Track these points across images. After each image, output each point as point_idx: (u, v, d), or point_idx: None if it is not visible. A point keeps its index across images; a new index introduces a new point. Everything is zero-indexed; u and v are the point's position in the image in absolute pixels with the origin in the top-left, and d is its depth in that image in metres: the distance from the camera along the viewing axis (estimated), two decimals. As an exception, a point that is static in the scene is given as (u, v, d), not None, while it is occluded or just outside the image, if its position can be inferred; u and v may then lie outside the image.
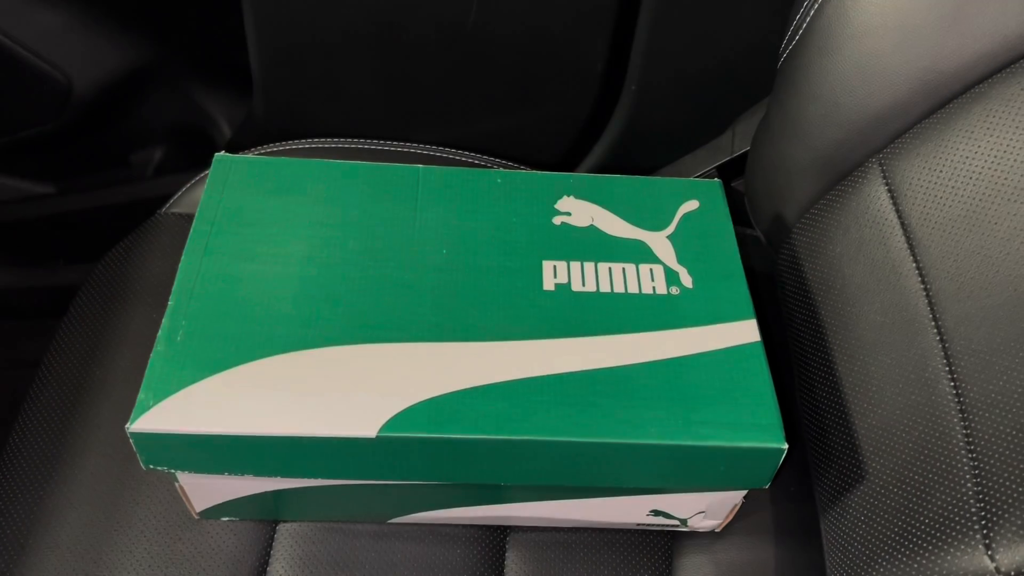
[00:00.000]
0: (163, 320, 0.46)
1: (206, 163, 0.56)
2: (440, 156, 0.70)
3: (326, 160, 0.55)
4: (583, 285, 0.50)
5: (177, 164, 0.92)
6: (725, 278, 0.51)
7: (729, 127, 0.70)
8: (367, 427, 0.43)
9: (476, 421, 0.43)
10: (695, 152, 0.71)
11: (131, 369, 0.58)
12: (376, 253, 0.50)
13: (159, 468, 0.45)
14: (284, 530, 0.53)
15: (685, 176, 0.71)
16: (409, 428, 0.43)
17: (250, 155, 0.68)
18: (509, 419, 0.43)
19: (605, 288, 0.50)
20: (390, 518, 0.52)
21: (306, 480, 0.48)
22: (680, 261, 0.51)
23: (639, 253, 0.52)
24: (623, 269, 0.51)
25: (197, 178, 0.68)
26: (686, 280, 0.50)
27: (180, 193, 0.67)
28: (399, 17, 0.70)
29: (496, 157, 0.72)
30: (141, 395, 0.43)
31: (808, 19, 0.54)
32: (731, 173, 0.69)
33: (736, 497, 0.50)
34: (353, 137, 0.70)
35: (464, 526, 0.53)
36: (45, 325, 0.89)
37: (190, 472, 0.46)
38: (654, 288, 0.50)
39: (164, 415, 0.43)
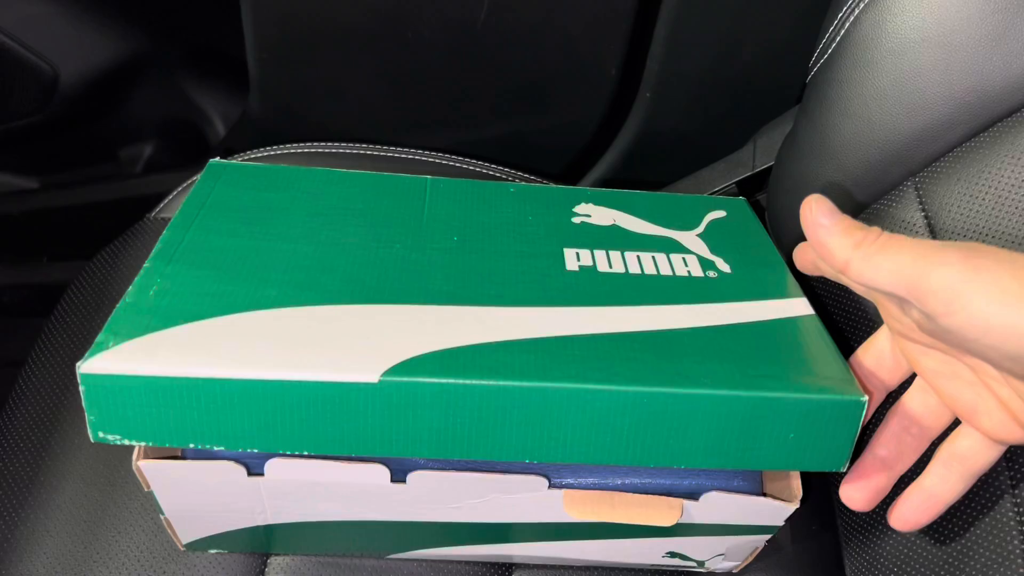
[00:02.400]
0: (135, 280, 0.40)
1: (198, 162, 0.53)
2: (444, 163, 0.67)
3: (327, 168, 0.52)
4: (610, 267, 0.45)
5: (168, 161, 0.88)
6: (765, 265, 0.47)
7: (750, 140, 0.67)
8: (368, 371, 0.36)
9: (497, 369, 0.36)
10: (713, 165, 0.68)
11: (115, 386, 0.54)
12: (380, 237, 0.46)
13: (110, 437, 0.37)
14: (275, 564, 0.49)
15: (702, 190, 0.68)
16: (418, 373, 0.36)
17: (245, 158, 0.65)
18: (537, 368, 0.36)
19: (635, 271, 0.45)
20: (389, 554, 0.49)
21: (299, 515, 0.45)
22: (713, 252, 0.48)
23: (668, 246, 0.48)
24: (652, 257, 0.47)
25: (188, 182, 0.64)
26: (723, 267, 0.47)
27: (170, 198, 0.64)
28: (405, 14, 0.67)
29: (502, 165, 0.69)
30: (100, 337, 0.36)
31: (843, 31, 0.51)
32: (751, 190, 0.66)
33: (759, 540, 0.47)
34: (353, 141, 0.67)
35: (467, 563, 0.50)
36: (28, 323, 0.86)
37: (148, 443, 0.37)
38: (689, 272, 0.46)
39: (125, 356, 0.35)
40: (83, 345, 0.57)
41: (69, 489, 0.51)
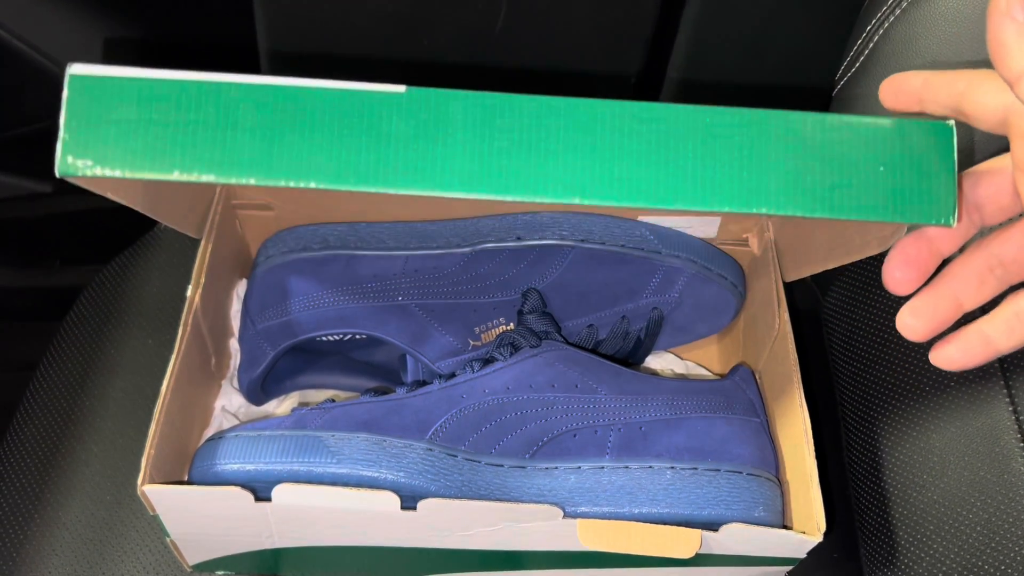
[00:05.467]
0: None
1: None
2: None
3: None
4: None
5: (180, 167, 0.87)
6: None
7: (773, 153, 0.65)
8: (394, 87, 0.32)
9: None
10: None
11: (122, 401, 0.54)
12: None
13: (80, 163, 0.31)
14: (283, 586, 0.49)
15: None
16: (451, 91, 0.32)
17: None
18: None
19: None
20: (399, 578, 0.48)
21: (308, 539, 0.44)
22: None
23: None
24: None
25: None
26: None
27: (181, 207, 0.63)
28: (421, 21, 0.66)
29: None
30: None
31: (871, 45, 0.50)
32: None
33: (780, 572, 0.45)
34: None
35: (479, 588, 0.49)
36: (40, 327, 0.85)
37: (122, 172, 0.31)
38: None
39: (124, 69, 0.32)
40: (95, 353, 0.57)
41: (75, 507, 0.50)
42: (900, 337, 0.48)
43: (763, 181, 0.32)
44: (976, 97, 0.32)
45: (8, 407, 0.58)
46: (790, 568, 0.45)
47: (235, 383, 0.51)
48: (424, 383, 0.46)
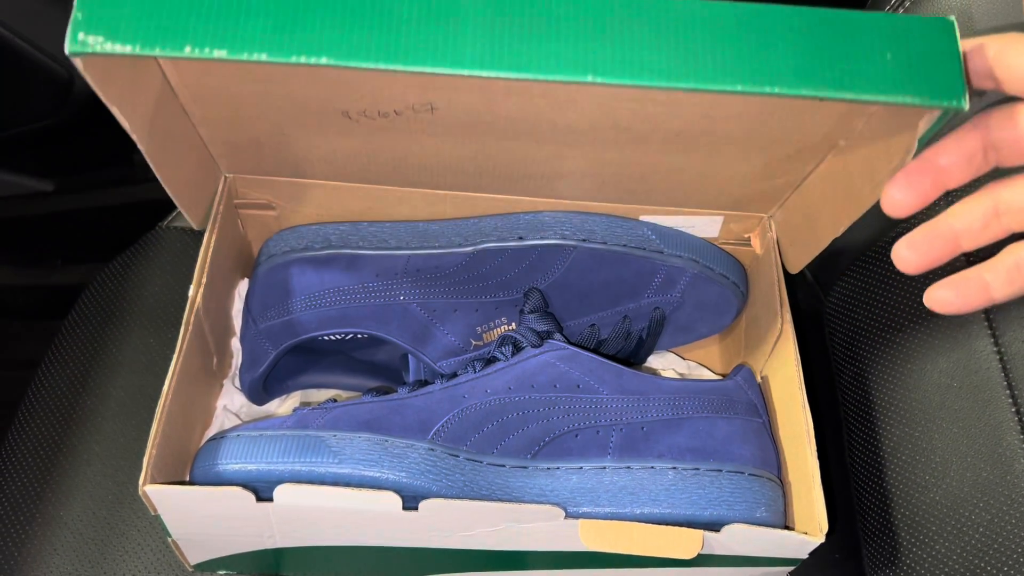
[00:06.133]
0: None
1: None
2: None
3: None
4: None
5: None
6: None
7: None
8: None
9: None
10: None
11: (123, 400, 0.54)
12: None
13: (91, 39, 0.31)
14: (285, 586, 0.49)
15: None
16: None
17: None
18: None
19: None
20: (401, 578, 0.48)
21: (310, 539, 0.44)
22: None
23: None
24: None
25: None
26: None
27: (183, 206, 0.63)
28: None
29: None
30: None
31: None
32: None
33: (781, 572, 0.45)
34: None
35: (480, 587, 0.49)
36: (42, 325, 0.85)
37: (134, 47, 0.31)
38: None
39: None
40: (97, 352, 0.57)
41: (77, 506, 0.50)
42: (902, 337, 0.48)
43: (772, 64, 0.33)
44: (1008, 61, 0.32)
45: (10, 406, 0.58)
46: (792, 569, 0.45)
47: (237, 382, 0.51)
48: (426, 383, 0.46)
